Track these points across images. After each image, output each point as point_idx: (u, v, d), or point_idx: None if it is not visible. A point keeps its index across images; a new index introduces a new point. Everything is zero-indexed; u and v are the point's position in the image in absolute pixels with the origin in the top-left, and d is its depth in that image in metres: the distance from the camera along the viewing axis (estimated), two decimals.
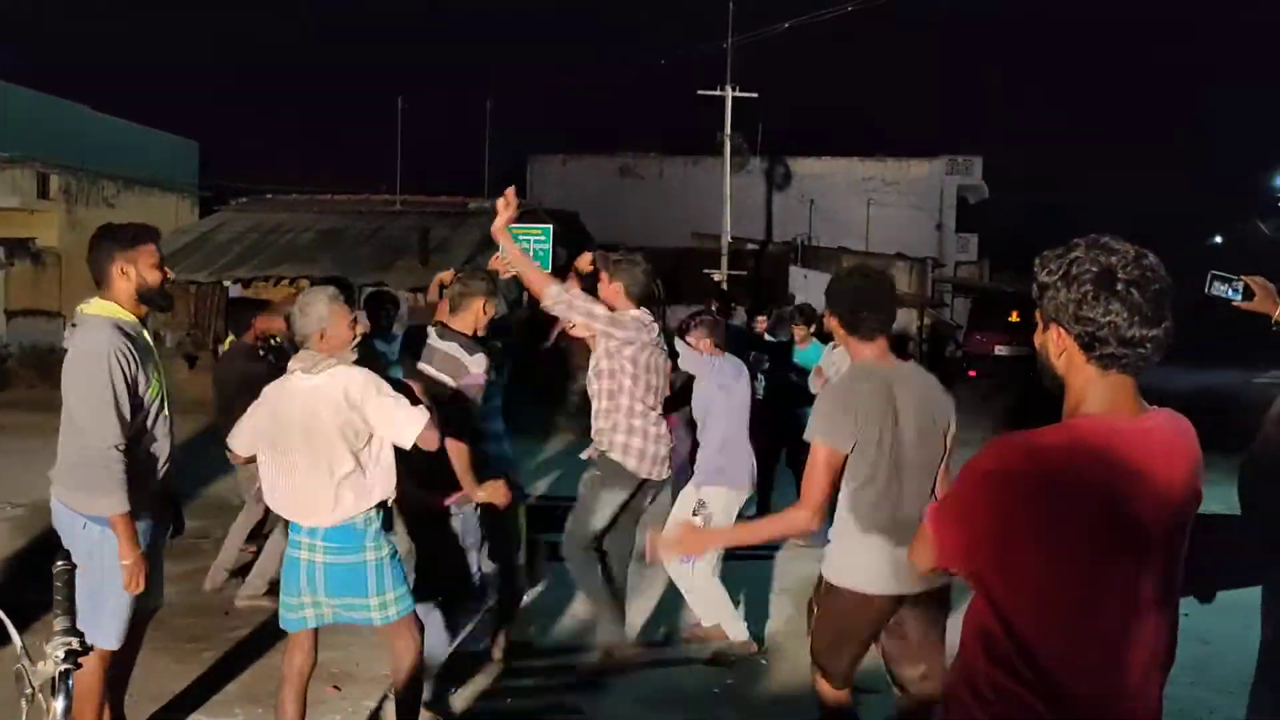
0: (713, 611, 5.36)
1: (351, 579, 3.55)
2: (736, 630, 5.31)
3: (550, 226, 16.19)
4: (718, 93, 23.73)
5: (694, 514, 5.24)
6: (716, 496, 5.27)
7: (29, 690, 1.99)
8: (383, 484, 3.57)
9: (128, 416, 3.45)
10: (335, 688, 4.60)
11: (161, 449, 3.65)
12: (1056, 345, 1.83)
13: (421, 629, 3.78)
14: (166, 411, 3.65)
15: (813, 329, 7.87)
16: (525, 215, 18.85)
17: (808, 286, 23.82)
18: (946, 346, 26.73)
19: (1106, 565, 1.74)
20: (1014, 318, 22.33)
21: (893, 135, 62.73)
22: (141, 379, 3.50)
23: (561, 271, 5.38)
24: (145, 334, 3.63)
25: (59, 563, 2.12)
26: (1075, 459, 1.74)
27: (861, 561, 3.21)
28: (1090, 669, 1.74)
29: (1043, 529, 1.71)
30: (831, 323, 3.40)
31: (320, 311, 3.53)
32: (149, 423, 3.58)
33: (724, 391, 5.38)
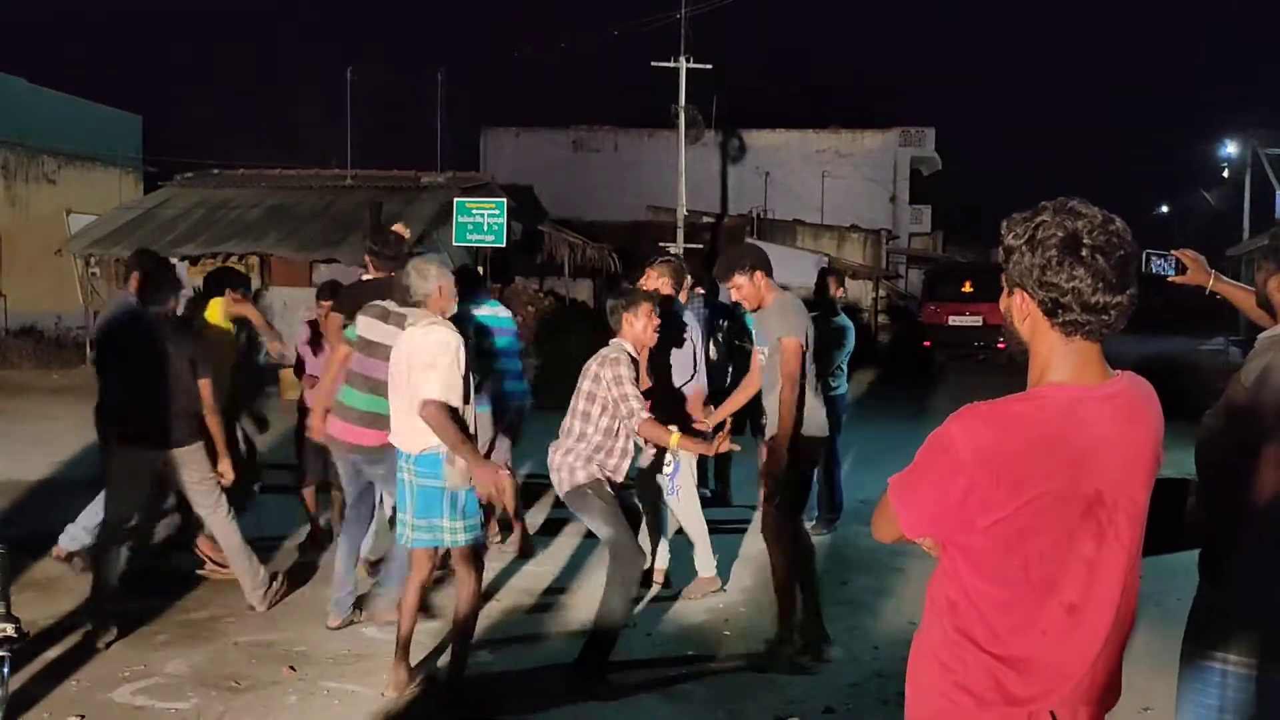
0: (696, 532, 5.86)
1: (432, 501, 4.15)
2: (704, 563, 5.83)
3: (504, 200, 16.04)
4: (672, 64, 23.60)
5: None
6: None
7: None
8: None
9: None
10: (290, 668, 4.58)
11: None
12: (1020, 310, 1.80)
13: (482, 566, 4.36)
14: None
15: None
16: (479, 189, 18.70)
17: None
18: (908, 317, 26.85)
19: (1070, 534, 1.73)
20: (967, 288, 22.47)
21: (846, 107, 62.90)
22: None
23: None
24: None
25: None
26: (1040, 429, 1.72)
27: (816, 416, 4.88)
28: (1053, 636, 1.75)
29: (1006, 499, 1.70)
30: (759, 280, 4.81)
31: (436, 276, 4.19)
32: None
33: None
